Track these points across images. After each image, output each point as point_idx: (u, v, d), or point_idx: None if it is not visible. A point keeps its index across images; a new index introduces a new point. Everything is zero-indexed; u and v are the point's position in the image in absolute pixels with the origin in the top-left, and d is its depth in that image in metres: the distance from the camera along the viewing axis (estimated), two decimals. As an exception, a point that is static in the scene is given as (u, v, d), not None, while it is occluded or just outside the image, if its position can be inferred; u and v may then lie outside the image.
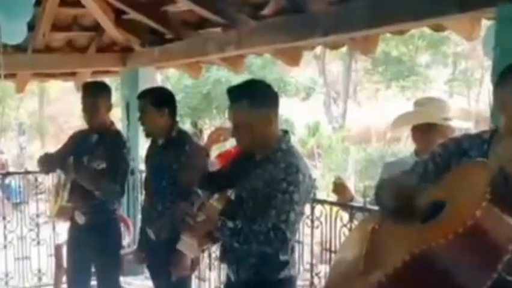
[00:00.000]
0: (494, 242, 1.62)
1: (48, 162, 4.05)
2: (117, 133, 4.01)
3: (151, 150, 3.76)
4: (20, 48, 5.11)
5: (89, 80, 5.47)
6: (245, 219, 2.56)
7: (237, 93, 2.61)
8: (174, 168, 3.47)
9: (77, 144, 4.05)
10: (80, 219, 3.92)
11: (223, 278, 3.33)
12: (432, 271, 1.63)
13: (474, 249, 1.62)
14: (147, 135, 3.68)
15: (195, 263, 3.62)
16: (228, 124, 2.76)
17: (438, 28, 3.42)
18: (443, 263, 1.62)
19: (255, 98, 2.58)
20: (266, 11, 3.85)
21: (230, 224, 2.52)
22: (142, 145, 6.06)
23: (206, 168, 3.08)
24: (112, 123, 4.04)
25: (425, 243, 1.65)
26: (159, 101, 3.56)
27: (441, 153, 2.03)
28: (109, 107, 3.98)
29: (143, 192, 3.93)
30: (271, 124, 2.63)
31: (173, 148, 3.52)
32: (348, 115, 19.85)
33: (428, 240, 1.65)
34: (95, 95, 3.89)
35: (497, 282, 1.63)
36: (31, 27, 4.66)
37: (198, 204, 2.75)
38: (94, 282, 4.20)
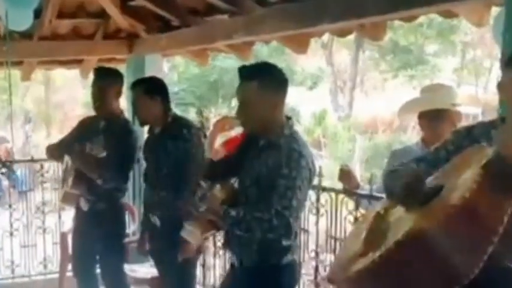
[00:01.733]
0: (484, 224, 1.62)
1: (55, 150, 4.05)
2: (126, 122, 3.99)
3: (149, 139, 3.77)
4: (26, 35, 5.08)
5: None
6: (248, 206, 2.56)
7: (248, 72, 2.61)
8: (173, 154, 3.47)
9: (84, 130, 4.05)
10: (84, 206, 3.92)
11: (228, 266, 3.32)
12: (423, 253, 1.63)
13: (463, 231, 1.62)
14: (141, 123, 3.68)
15: (201, 248, 3.60)
16: (234, 113, 2.75)
17: (448, 14, 3.37)
18: (434, 245, 1.62)
19: (265, 79, 2.58)
20: (273, -2, 3.81)
21: (233, 213, 2.53)
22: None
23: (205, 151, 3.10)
24: (122, 111, 4.03)
25: (417, 225, 1.66)
26: (151, 89, 3.57)
27: (453, 141, 2.04)
28: (119, 94, 3.95)
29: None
30: (277, 109, 2.62)
31: (170, 134, 3.52)
32: (355, 104, 19.77)
33: (421, 222, 1.66)
34: (104, 81, 3.87)
35: (493, 266, 1.63)
36: (37, 14, 4.64)
37: (199, 195, 2.74)
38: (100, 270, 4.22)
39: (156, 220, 3.62)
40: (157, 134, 3.65)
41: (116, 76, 3.94)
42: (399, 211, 1.88)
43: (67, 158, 3.97)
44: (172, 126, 3.57)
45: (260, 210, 2.50)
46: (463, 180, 1.70)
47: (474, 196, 1.60)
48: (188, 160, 3.39)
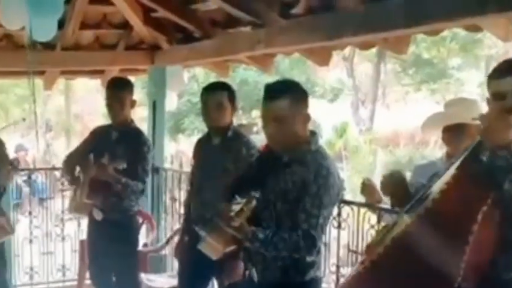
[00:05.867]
0: (457, 224, 1.63)
1: (69, 163, 4.06)
2: (138, 131, 4.03)
3: (205, 148, 3.64)
4: (49, 46, 5.13)
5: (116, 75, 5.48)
6: (275, 227, 2.51)
7: (279, 88, 2.58)
8: (229, 169, 3.33)
9: (98, 141, 4.06)
10: (98, 215, 3.94)
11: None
12: (406, 254, 1.66)
13: (436, 233, 1.64)
14: (210, 127, 3.55)
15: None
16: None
17: (473, 28, 3.33)
18: (414, 245, 1.64)
19: (295, 94, 2.56)
20: (296, 10, 3.80)
21: (261, 235, 2.46)
22: (167, 144, 6.06)
23: None
24: (132, 120, 4.07)
25: (403, 229, 1.70)
26: (233, 97, 3.50)
27: None
28: (133, 103, 4.00)
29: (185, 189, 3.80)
30: (306, 123, 2.59)
31: (230, 150, 3.41)
32: (376, 117, 19.63)
33: (406, 226, 1.70)
34: (122, 90, 3.94)
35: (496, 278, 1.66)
36: (61, 24, 4.68)
37: (235, 210, 2.61)
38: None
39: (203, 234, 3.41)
40: (216, 145, 3.51)
41: (129, 85, 4.03)
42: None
43: (79, 169, 3.99)
44: (232, 142, 3.43)
45: (287, 228, 2.47)
46: (440, 182, 1.72)
47: (443, 197, 1.62)
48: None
